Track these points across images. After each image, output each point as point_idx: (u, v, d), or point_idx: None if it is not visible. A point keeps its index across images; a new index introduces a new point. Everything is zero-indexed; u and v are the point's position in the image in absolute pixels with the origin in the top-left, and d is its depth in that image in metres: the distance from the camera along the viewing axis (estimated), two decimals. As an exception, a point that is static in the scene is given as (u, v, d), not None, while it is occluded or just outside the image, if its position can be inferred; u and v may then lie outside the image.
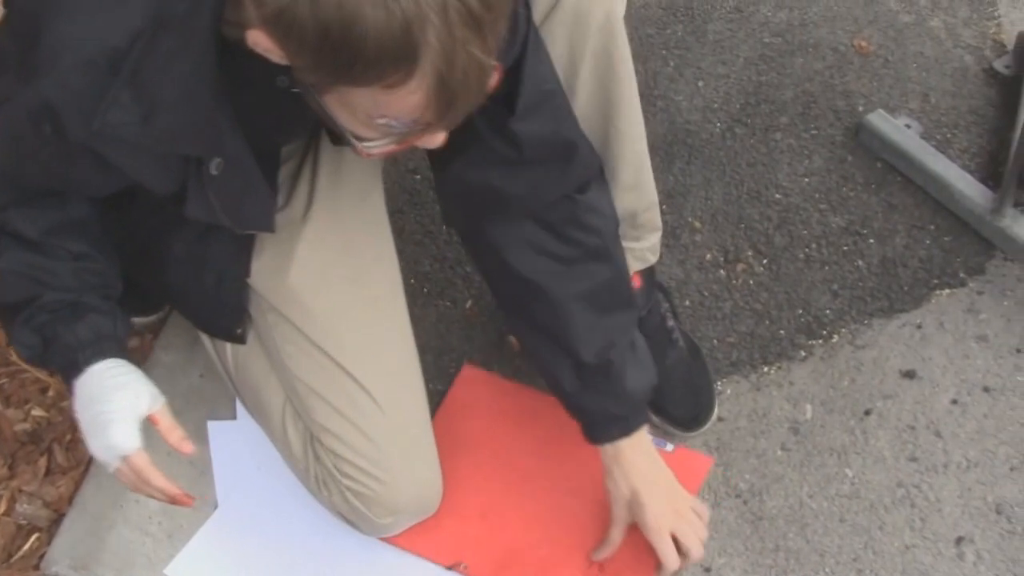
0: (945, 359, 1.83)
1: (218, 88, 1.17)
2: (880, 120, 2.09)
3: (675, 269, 1.96)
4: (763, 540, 1.66)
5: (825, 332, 1.87)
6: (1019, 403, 1.77)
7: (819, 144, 2.13)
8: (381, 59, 0.96)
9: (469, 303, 1.94)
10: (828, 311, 1.90)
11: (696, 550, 1.54)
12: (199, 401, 1.81)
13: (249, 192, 1.35)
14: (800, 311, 1.90)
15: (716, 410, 1.78)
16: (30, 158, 1.26)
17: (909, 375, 1.81)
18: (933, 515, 1.67)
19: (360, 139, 1.11)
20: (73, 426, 1.38)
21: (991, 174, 2.04)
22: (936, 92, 2.19)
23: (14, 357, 1.86)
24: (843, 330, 1.88)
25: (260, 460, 1.71)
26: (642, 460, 1.55)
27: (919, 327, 1.87)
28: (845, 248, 1.98)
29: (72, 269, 1.39)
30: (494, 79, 1.06)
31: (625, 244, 1.59)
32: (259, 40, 1.01)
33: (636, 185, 1.63)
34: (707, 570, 1.64)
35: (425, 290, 1.96)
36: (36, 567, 1.66)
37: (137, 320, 1.90)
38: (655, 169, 1.66)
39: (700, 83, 2.24)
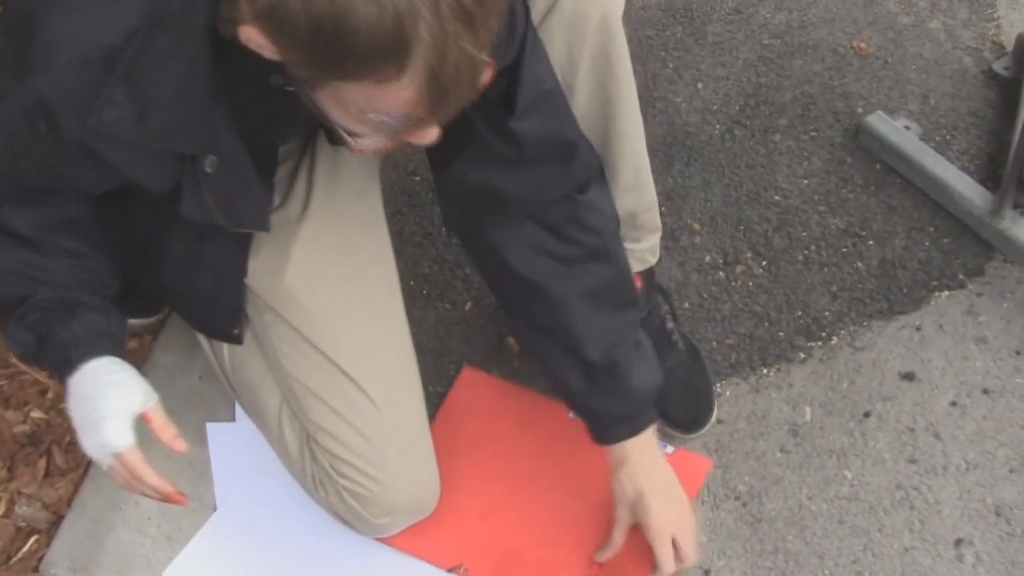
0: (944, 361, 1.83)
1: (213, 86, 1.17)
2: (879, 122, 2.09)
3: (674, 271, 1.96)
4: (762, 542, 1.66)
5: (824, 334, 1.87)
6: (1018, 405, 1.77)
7: (818, 146, 2.13)
8: (373, 54, 0.96)
9: (468, 305, 1.94)
10: (827, 313, 1.90)
11: (693, 555, 1.54)
12: (198, 403, 1.81)
13: (244, 190, 1.35)
14: (799, 313, 1.90)
15: (715, 412, 1.78)
16: (25, 156, 1.26)
17: (908, 377, 1.81)
18: (932, 517, 1.67)
19: (353, 135, 1.11)
20: (72, 428, 1.37)
21: (990, 176, 2.04)
22: (935, 94, 2.19)
23: (13, 359, 1.86)
24: (842, 332, 1.88)
25: (259, 462, 1.71)
26: (649, 461, 1.55)
27: (918, 329, 1.87)
28: (844, 250, 1.98)
29: (67, 266, 1.39)
30: (487, 75, 1.06)
31: (625, 245, 1.60)
32: (252, 36, 1.01)
33: (636, 186, 1.63)
34: (706, 572, 1.64)
35: (424, 292, 1.95)
36: (35, 569, 1.66)
37: (136, 322, 1.90)
38: (654, 171, 1.66)
39: (699, 85, 2.24)
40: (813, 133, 2.15)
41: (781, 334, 1.88)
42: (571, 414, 1.74)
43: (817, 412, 1.79)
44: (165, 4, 1.11)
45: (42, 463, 1.76)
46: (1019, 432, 1.74)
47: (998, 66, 2.22)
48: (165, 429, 1.39)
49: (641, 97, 1.59)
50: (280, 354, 1.57)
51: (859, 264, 1.96)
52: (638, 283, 1.67)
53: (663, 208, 1.99)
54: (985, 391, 1.79)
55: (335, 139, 1.49)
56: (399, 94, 1.00)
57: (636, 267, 1.67)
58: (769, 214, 2.03)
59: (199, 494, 1.72)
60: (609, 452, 1.56)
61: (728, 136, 2.15)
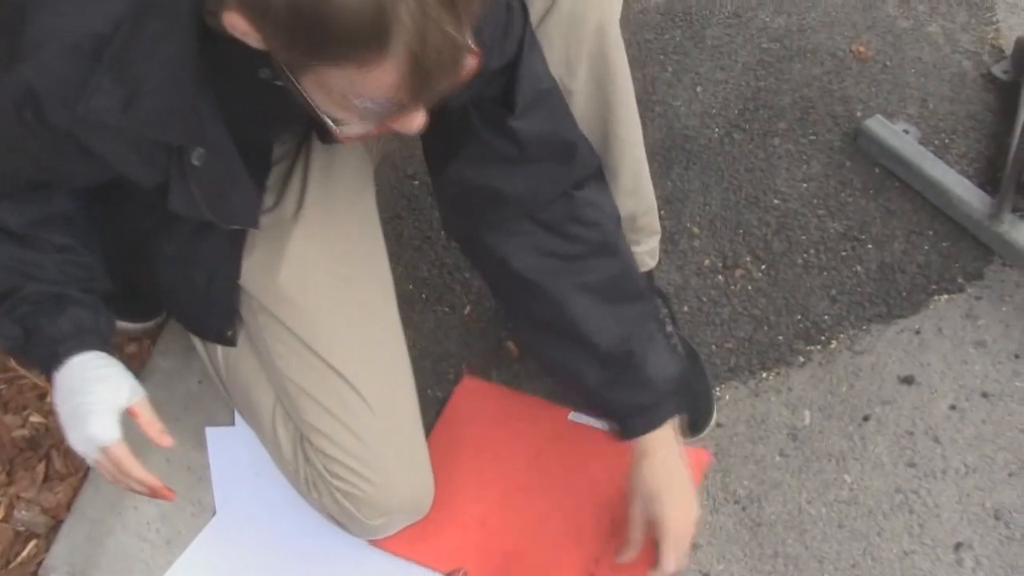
0: (943, 365, 1.83)
1: (200, 76, 1.17)
2: (878, 125, 2.09)
3: (673, 275, 1.96)
4: (762, 546, 1.66)
5: (823, 338, 1.87)
6: (1017, 409, 1.77)
7: (817, 149, 2.13)
8: (353, 37, 0.96)
9: (468, 309, 1.94)
10: (826, 317, 1.90)
11: (685, 556, 1.53)
12: (197, 407, 1.81)
13: (232, 185, 1.34)
14: (798, 317, 1.90)
15: (715, 416, 1.78)
16: (15, 148, 1.26)
17: (907, 381, 1.81)
18: (932, 521, 1.67)
19: (338, 122, 1.11)
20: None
21: (989, 179, 2.04)
22: (934, 97, 2.20)
23: (13, 363, 1.86)
24: (841, 336, 1.88)
25: (258, 466, 1.70)
26: (670, 458, 1.53)
27: (917, 333, 1.87)
28: (843, 254, 1.98)
29: (56, 261, 1.39)
30: (472, 63, 1.06)
31: None
32: (235, 22, 1.02)
33: (635, 189, 1.63)
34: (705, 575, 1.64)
35: (423, 296, 1.95)
36: (34, 574, 1.66)
37: (135, 326, 1.90)
38: (653, 175, 1.67)
39: (698, 88, 2.24)
40: (812, 137, 2.15)
41: (780, 338, 1.88)
42: (570, 415, 1.74)
43: (816, 416, 1.78)
44: None
45: (41, 467, 1.76)
46: (1018, 436, 1.74)
47: (997, 70, 2.22)
48: (152, 424, 1.39)
49: (640, 101, 1.59)
50: (274, 354, 1.57)
51: (858, 268, 1.96)
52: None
53: (662, 212, 1.99)
54: (984, 395, 1.79)
55: (327, 138, 1.50)
56: (381, 78, 1.00)
57: (636, 270, 1.67)
58: (768, 218, 2.03)
59: (198, 498, 1.72)
60: (631, 448, 1.54)
61: (727, 140, 2.15)
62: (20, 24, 1.14)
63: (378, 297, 1.64)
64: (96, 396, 1.35)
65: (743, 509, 1.69)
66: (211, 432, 1.77)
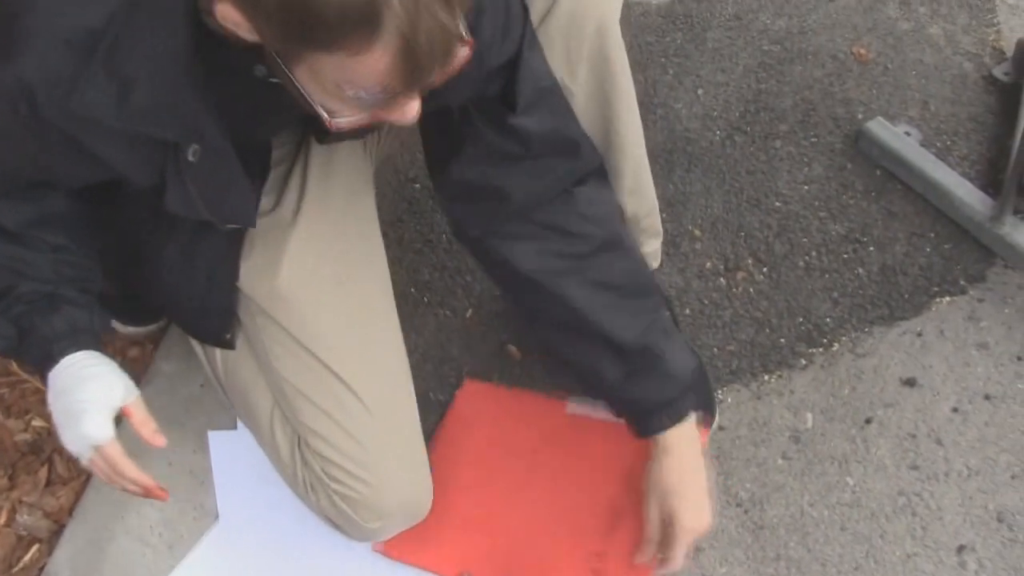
0: (946, 367, 1.83)
1: (195, 73, 1.17)
2: (879, 127, 2.09)
3: (675, 277, 1.96)
4: (764, 549, 1.65)
5: (825, 340, 1.87)
6: (1020, 411, 1.77)
7: (819, 152, 2.13)
8: (344, 23, 0.96)
9: (469, 312, 1.94)
10: (828, 319, 1.90)
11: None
12: (199, 411, 1.81)
13: (228, 183, 1.34)
14: (800, 319, 1.90)
15: (716, 419, 1.77)
16: (12, 146, 1.26)
17: (910, 383, 1.81)
18: (934, 523, 1.66)
19: (331, 113, 1.11)
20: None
21: (991, 181, 2.04)
22: (935, 99, 2.20)
23: (15, 367, 1.86)
24: (843, 338, 1.87)
25: (261, 470, 1.70)
26: (692, 455, 1.52)
27: (919, 335, 1.87)
28: (845, 256, 1.98)
29: (50, 261, 1.39)
30: (465, 54, 1.06)
31: None
32: (227, 13, 1.02)
33: (636, 190, 1.64)
34: (708, 579, 1.64)
35: (425, 299, 1.95)
36: (36, 578, 1.66)
37: (137, 330, 1.90)
38: (655, 177, 1.67)
39: (699, 91, 2.24)
40: (813, 139, 2.15)
41: (782, 340, 1.88)
42: (568, 407, 1.73)
43: (818, 418, 1.78)
44: None
45: (43, 472, 1.76)
46: (1021, 438, 1.74)
47: (998, 71, 2.22)
48: (145, 424, 1.39)
49: (641, 103, 1.60)
50: (272, 356, 1.56)
51: (860, 270, 1.96)
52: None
53: (664, 214, 1.99)
54: (987, 397, 1.79)
55: (324, 139, 1.50)
56: (373, 65, 1.00)
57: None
58: (770, 220, 2.03)
59: (200, 501, 1.72)
60: (653, 442, 1.53)
61: (728, 142, 2.15)
62: (15, 19, 1.14)
63: (376, 299, 1.63)
64: (89, 394, 1.34)
65: (745, 512, 1.69)
66: (213, 436, 1.77)
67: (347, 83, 1.04)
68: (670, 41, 2.33)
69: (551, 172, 1.45)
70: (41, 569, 1.67)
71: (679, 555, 1.50)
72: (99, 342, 1.41)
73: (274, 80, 1.12)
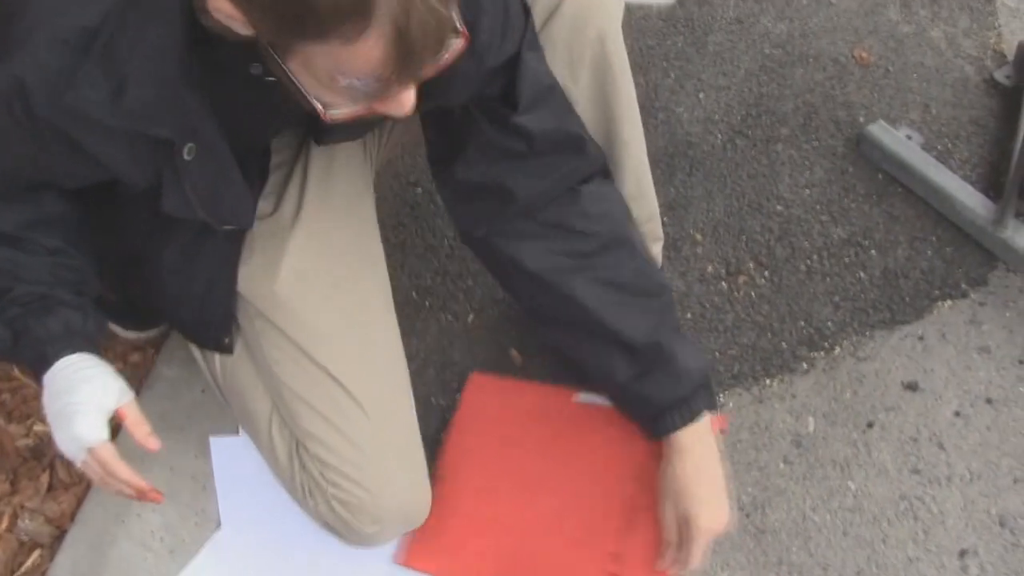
0: (947, 371, 1.83)
1: (191, 71, 1.17)
2: (881, 131, 2.09)
3: (676, 281, 1.96)
4: (766, 554, 1.65)
5: (827, 344, 1.87)
6: (1022, 415, 1.77)
7: (820, 155, 2.13)
8: (337, 12, 0.96)
9: (471, 317, 1.94)
10: (830, 323, 1.90)
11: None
12: (201, 416, 1.81)
13: (224, 183, 1.33)
14: (802, 323, 1.90)
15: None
16: (7, 148, 1.25)
17: (911, 387, 1.81)
18: (936, 528, 1.66)
19: (326, 106, 1.10)
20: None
21: (992, 185, 2.04)
22: (937, 103, 2.20)
23: (17, 372, 1.86)
24: (845, 342, 1.87)
25: (263, 476, 1.70)
26: (708, 455, 1.51)
27: (921, 339, 1.87)
28: (846, 260, 1.98)
29: (46, 264, 1.38)
30: (459, 45, 1.06)
31: None
32: (220, 5, 1.02)
33: (638, 194, 1.63)
34: (710, 584, 1.64)
35: (427, 304, 1.95)
36: (38, 584, 1.66)
37: (139, 335, 1.90)
38: (656, 181, 1.67)
39: (701, 95, 2.24)
40: (815, 143, 2.15)
41: (784, 344, 1.88)
42: (575, 397, 1.71)
43: (820, 423, 1.78)
44: None
45: (45, 477, 1.76)
46: (1023, 442, 1.74)
47: (999, 75, 2.22)
48: (139, 426, 1.38)
49: (643, 107, 1.60)
50: (270, 360, 1.56)
51: (861, 274, 1.96)
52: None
53: (665, 218, 1.99)
54: (988, 401, 1.79)
55: (322, 139, 1.50)
56: (366, 53, 1.00)
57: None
58: (771, 224, 2.03)
59: (201, 507, 1.72)
60: (668, 443, 1.51)
61: (730, 146, 2.15)
62: (11, 18, 1.14)
63: (376, 303, 1.63)
64: (83, 396, 1.34)
65: (747, 516, 1.69)
66: (215, 442, 1.76)
67: (341, 73, 1.04)
68: (671, 45, 2.33)
69: (555, 170, 1.45)
70: (43, 574, 1.67)
71: (697, 555, 1.48)
72: (94, 345, 1.41)
73: (270, 79, 1.12)
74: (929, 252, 1.98)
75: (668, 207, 2.04)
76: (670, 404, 1.50)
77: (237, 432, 1.76)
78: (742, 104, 2.22)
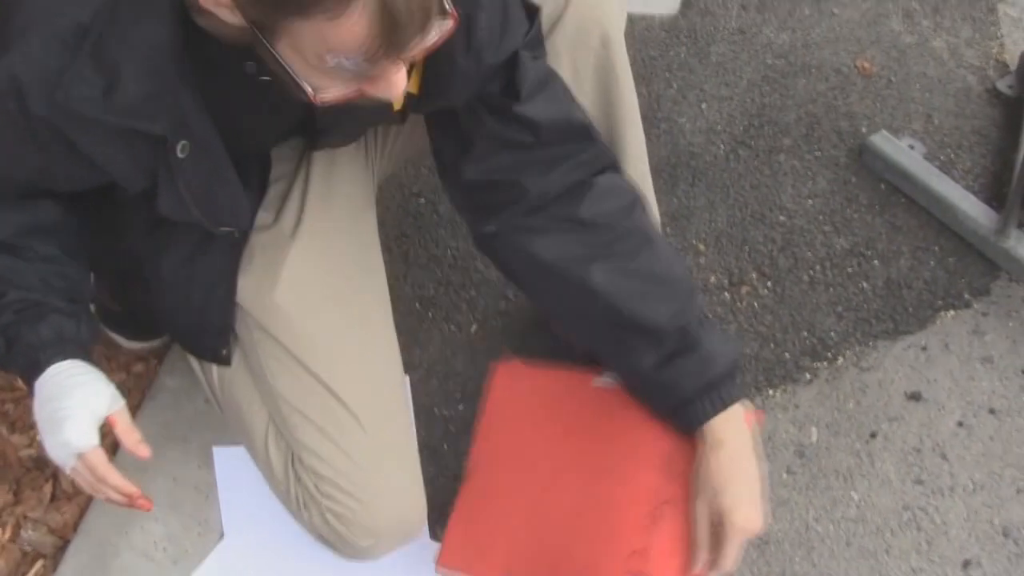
0: (950, 381, 1.83)
1: (184, 68, 1.16)
2: (883, 141, 2.10)
3: (679, 291, 1.96)
4: (769, 564, 1.65)
5: (830, 354, 1.87)
6: (1025, 425, 1.77)
7: (822, 166, 2.13)
8: None
9: (474, 327, 1.94)
10: (833, 333, 1.90)
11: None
12: (204, 426, 1.81)
13: (218, 181, 1.33)
14: (805, 333, 1.90)
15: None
16: (4, 148, 1.25)
17: (914, 397, 1.81)
18: (940, 538, 1.66)
19: (317, 89, 1.09)
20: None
21: (995, 195, 2.04)
22: (939, 113, 2.20)
23: (19, 382, 1.86)
24: (848, 352, 1.87)
25: (266, 486, 1.70)
26: (746, 449, 1.45)
27: (924, 349, 1.87)
28: (849, 270, 1.98)
29: (40, 270, 1.38)
30: (448, 27, 1.06)
31: None
32: None
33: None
34: (713, 595, 1.63)
35: (430, 314, 1.95)
36: (41, 594, 1.66)
37: (142, 345, 1.90)
38: (659, 191, 1.67)
39: (703, 105, 2.24)
40: (817, 153, 2.15)
41: (787, 355, 1.88)
42: (596, 380, 1.66)
43: (823, 433, 1.78)
44: None
45: (48, 487, 1.76)
46: (1026, 452, 1.74)
47: (1002, 85, 2.22)
48: (129, 433, 1.37)
49: (645, 118, 1.60)
50: (267, 371, 1.56)
51: (864, 284, 1.96)
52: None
53: (668, 228, 1.99)
54: (992, 411, 1.79)
55: (318, 143, 1.50)
56: (350, 29, 0.99)
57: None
58: (774, 234, 2.03)
59: (204, 517, 1.72)
60: (701, 436, 1.46)
61: (732, 156, 2.16)
62: (6, 15, 1.14)
63: (375, 316, 1.63)
64: (74, 401, 1.33)
65: (750, 527, 1.69)
66: (218, 452, 1.76)
67: (328, 51, 1.03)
68: (674, 55, 2.34)
69: (564, 160, 1.44)
70: (46, 585, 1.67)
71: (730, 557, 1.40)
72: (86, 352, 1.40)
73: (265, 79, 1.12)
74: (932, 262, 1.98)
75: (671, 217, 2.04)
76: (699, 390, 1.45)
77: (240, 442, 1.76)
78: (744, 114, 2.22)
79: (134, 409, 1.80)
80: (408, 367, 1.66)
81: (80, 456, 1.33)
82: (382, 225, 1.70)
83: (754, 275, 1.98)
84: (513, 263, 1.55)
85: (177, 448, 1.76)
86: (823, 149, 2.16)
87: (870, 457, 1.75)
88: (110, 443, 1.47)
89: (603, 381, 1.64)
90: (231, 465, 1.75)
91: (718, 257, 2.00)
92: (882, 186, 2.09)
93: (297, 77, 1.07)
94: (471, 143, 1.44)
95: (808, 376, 1.85)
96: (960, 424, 1.78)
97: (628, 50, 1.55)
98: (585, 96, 1.52)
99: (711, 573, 1.44)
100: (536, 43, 1.41)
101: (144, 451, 1.38)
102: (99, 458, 1.34)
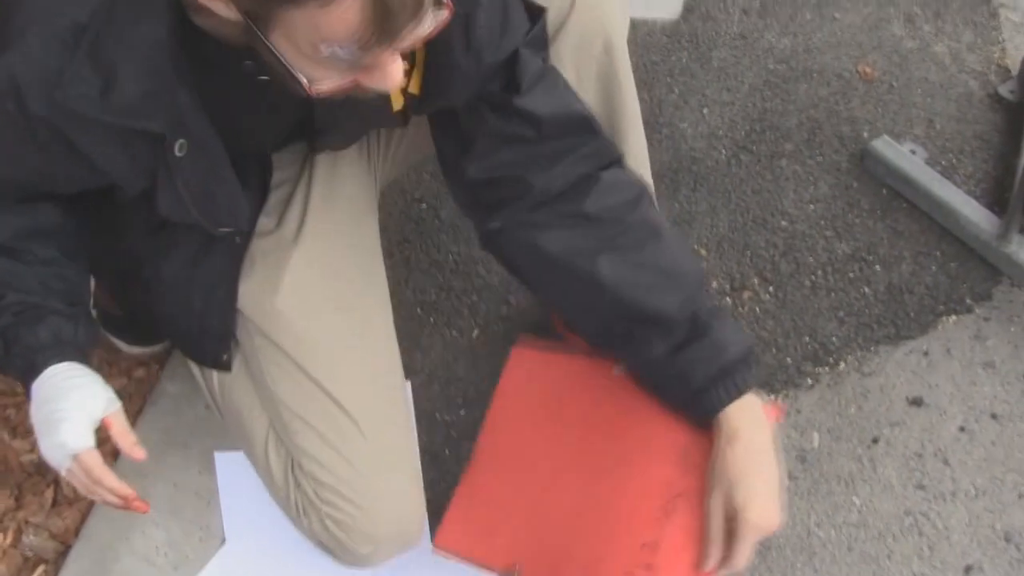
0: (952, 386, 1.83)
1: (181, 67, 1.16)
2: (885, 146, 2.10)
3: (681, 297, 1.96)
4: (771, 570, 1.65)
5: (832, 359, 1.87)
6: (1027, 430, 1.77)
7: (824, 170, 2.13)
8: None
9: (476, 332, 1.94)
10: (834, 338, 1.90)
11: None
12: (205, 432, 1.81)
13: (216, 180, 1.32)
14: (806, 338, 1.90)
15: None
16: (4, 148, 1.25)
17: (916, 402, 1.81)
18: (941, 543, 1.66)
19: (312, 80, 1.08)
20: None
21: (997, 200, 2.04)
22: (941, 118, 2.20)
23: (20, 387, 1.86)
24: (850, 357, 1.87)
25: (268, 491, 1.70)
26: (763, 441, 1.40)
27: (926, 354, 1.87)
28: (851, 275, 1.98)
29: (39, 273, 1.38)
30: (443, 17, 1.05)
31: None
32: None
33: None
34: (715, 600, 1.63)
35: (432, 319, 1.95)
36: (42, 599, 1.66)
37: (143, 350, 1.91)
38: (660, 197, 1.67)
39: (705, 110, 2.24)
40: (819, 158, 2.15)
41: (788, 360, 1.87)
42: (617, 369, 1.65)
43: (825, 438, 1.78)
44: None
45: (49, 492, 1.76)
46: (1028, 457, 1.74)
47: (1003, 89, 2.22)
48: (124, 435, 1.37)
49: (647, 123, 1.60)
50: (268, 377, 1.55)
51: (866, 289, 1.96)
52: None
53: (669, 234, 1.99)
54: (993, 416, 1.79)
55: (318, 144, 1.50)
56: (343, 16, 0.99)
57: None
58: (776, 239, 2.03)
59: (206, 523, 1.72)
60: (717, 428, 1.42)
61: (734, 161, 2.16)
62: (6, 15, 1.15)
63: (376, 321, 1.63)
64: (69, 403, 1.33)
65: (752, 532, 1.69)
66: (220, 457, 1.76)
67: (322, 40, 1.03)
68: (675, 60, 2.34)
69: (567, 154, 1.43)
70: (47, 590, 1.67)
71: (744, 554, 1.35)
72: (84, 355, 1.40)
73: (263, 78, 1.12)
74: (933, 267, 1.98)
75: (672, 222, 2.04)
76: (712, 377, 1.41)
77: (240, 447, 1.76)
78: (746, 119, 2.22)
79: (135, 414, 1.80)
80: (409, 372, 1.66)
81: (75, 458, 1.33)
82: (384, 230, 1.70)
83: (756, 280, 1.98)
84: (519, 259, 1.54)
85: (178, 454, 1.76)
86: (825, 154, 2.16)
87: (872, 462, 1.75)
88: (111, 449, 1.47)
89: (622, 371, 1.62)
90: (233, 470, 1.75)
91: (720, 262, 2.00)
92: (884, 191, 2.09)
93: (292, 68, 1.06)
94: (473, 141, 1.43)
95: (810, 381, 1.85)
96: (962, 429, 1.77)
97: (630, 55, 1.55)
98: (589, 102, 1.52)
99: (722, 571, 1.39)
100: (539, 43, 1.40)
101: (140, 453, 1.38)
102: (94, 460, 1.34)
